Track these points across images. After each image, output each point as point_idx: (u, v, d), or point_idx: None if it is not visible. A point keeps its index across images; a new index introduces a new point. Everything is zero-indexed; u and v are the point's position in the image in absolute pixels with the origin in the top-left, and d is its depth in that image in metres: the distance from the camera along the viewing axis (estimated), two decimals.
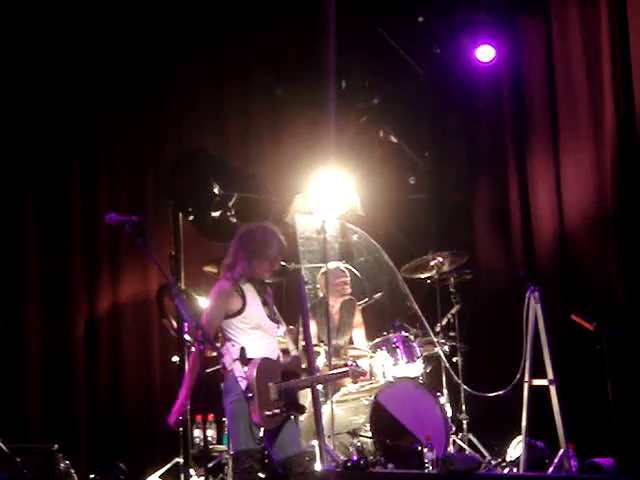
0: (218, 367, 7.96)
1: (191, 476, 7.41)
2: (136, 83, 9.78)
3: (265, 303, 6.28)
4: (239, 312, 6.13)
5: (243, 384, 5.92)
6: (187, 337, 7.39)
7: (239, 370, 5.96)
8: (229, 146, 10.00)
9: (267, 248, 6.22)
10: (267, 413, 5.86)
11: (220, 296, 6.16)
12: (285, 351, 6.28)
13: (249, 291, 6.20)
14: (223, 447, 8.00)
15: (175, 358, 7.88)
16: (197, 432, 8.00)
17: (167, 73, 9.86)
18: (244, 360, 5.99)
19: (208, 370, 7.58)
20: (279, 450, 6.03)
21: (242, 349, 6.02)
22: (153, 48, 9.80)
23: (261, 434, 6.02)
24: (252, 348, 6.05)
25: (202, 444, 7.86)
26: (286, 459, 6.01)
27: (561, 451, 7.52)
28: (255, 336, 6.12)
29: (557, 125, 9.32)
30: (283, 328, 6.33)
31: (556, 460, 7.48)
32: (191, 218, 7.87)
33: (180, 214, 7.75)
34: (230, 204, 7.87)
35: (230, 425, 6.07)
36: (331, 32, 9.22)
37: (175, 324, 7.64)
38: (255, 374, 5.88)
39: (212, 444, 8.12)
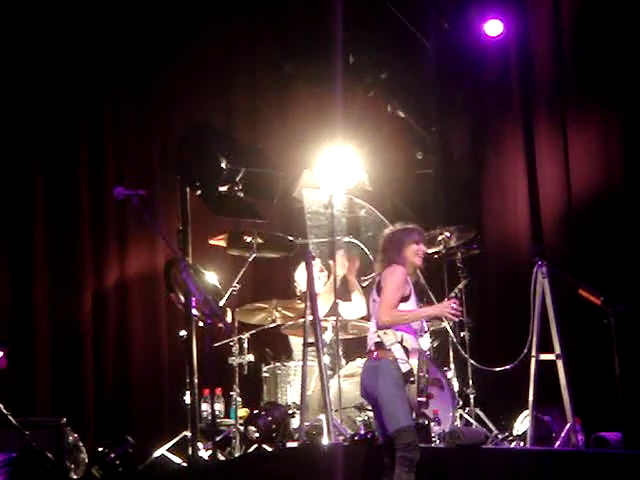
0: (227, 341, 8.08)
1: (199, 450, 7.41)
2: (143, 58, 9.76)
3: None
4: (406, 299, 6.38)
5: (405, 367, 6.16)
6: (195, 312, 7.39)
7: (400, 353, 6.18)
8: (237, 121, 9.99)
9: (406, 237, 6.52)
10: (420, 399, 6.15)
11: (401, 278, 6.35)
12: None
13: (411, 283, 6.48)
14: (231, 421, 8.02)
15: (182, 333, 7.88)
16: (205, 406, 8.00)
17: (175, 47, 9.84)
18: (404, 347, 6.22)
19: (216, 344, 7.64)
20: None
21: (402, 336, 6.23)
22: (161, 22, 9.78)
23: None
24: (407, 338, 6.28)
25: (210, 418, 7.87)
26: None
27: (568, 425, 7.55)
28: (410, 327, 6.34)
29: (565, 100, 9.30)
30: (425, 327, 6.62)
31: (563, 434, 7.51)
32: (198, 192, 7.84)
33: (187, 188, 7.73)
34: (238, 179, 7.83)
35: (390, 405, 6.16)
36: (338, 7, 9.18)
37: (183, 298, 7.63)
38: (417, 362, 6.16)
39: (220, 418, 8.14)
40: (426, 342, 8.04)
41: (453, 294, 8.44)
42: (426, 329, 8.08)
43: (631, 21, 8.94)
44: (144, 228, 8.83)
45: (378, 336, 6.26)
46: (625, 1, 8.98)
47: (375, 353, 6.28)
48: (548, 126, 9.46)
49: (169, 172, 8.61)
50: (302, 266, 8.53)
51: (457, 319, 6.82)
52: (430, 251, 8.65)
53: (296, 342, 8.39)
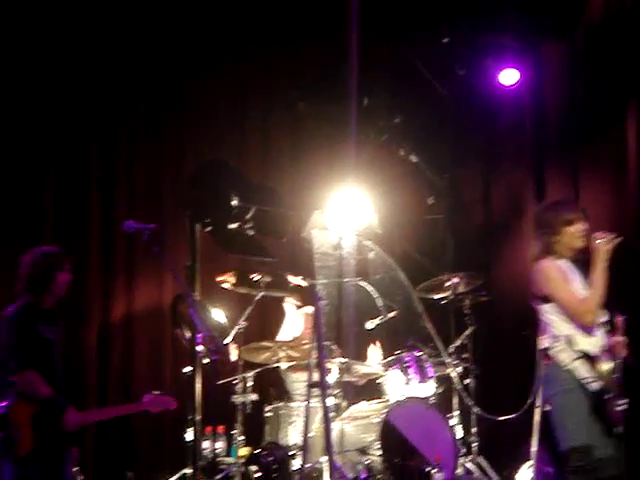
0: (231, 379, 8.05)
1: None
2: (158, 94, 9.82)
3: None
4: None
5: (594, 386, 5.50)
6: (200, 348, 7.37)
7: (585, 370, 5.52)
8: (249, 160, 10.02)
9: (556, 219, 5.79)
10: (619, 409, 5.52)
11: (554, 272, 5.63)
12: None
13: (570, 270, 5.72)
14: (232, 460, 7.97)
15: (186, 369, 7.85)
16: (206, 444, 7.97)
17: (190, 85, 9.90)
18: (588, 359, 5.53)
19: (220, 382, 7.62)
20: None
21: (568, 337, 5.56)
22: (177, 60, 9.84)
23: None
24: (582, 339, 5.59)
25: (211, 456, 7.83)
26: None
27: None
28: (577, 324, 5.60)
29: (577, 152, 9.31)
30: (607, 316, 5.69)
31: None
32: (208, 229, 7.86)
33: (197, 224, 7.75)
34: (248, 216, 7.85)
35: (557, 419, 5.66)
36: (354, 49, 9.22)
37: (188, 334, 7.62)
38: (612, 370, 5.50)
39: (221, 456, 8.09)
40: (431, 388, 8.02)
41: (459, 342, 8.43)
42: (431, 375, 8.08)
43: None
44: (153, 263, 8.84)
45: (559, 351, 5.56)
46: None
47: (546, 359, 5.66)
48: (560, 176, 9.46)
49: (180, 207, 8.62)
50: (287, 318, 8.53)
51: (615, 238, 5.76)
52: (438, 296, 8.69)
53: (299, 382, 8.38)
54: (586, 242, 5.68)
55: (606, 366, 5.49)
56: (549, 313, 5.65)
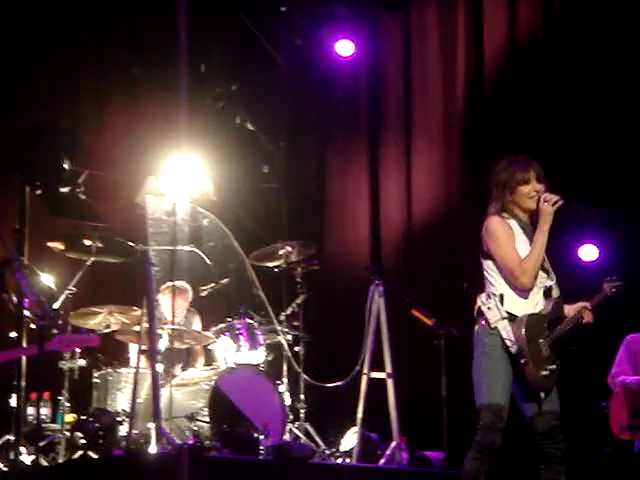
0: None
1: (22, 454, 7.25)
2: None
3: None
4: None
5: (514, 348, 5.42)
6: (27, 313, 7.24)
7: (507, 331, 5.45)
8: (82, 123, 9.82)
9: (511, 178, 5.63)
10: (544, 373, 5.42)
11: (500, 229, 5.55)
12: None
13: (516, 229, 5.63)
14: (56, 426, 7.88)
15: (13, 334, 7.71)
16: (30, 410, 7.83)
17: (20, 45, 9.63)
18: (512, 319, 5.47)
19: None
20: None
21: (501, 295, 5.51)
22: (7, 19, 9.57)
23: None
24: (512, 299, 5.54)
25: (35, 422, 7.71)
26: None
27: (393, 443, 7.68)
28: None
29: (410, 124, 9.51)
30: (552, 280, 5.63)
31: (388, 452, 7.64)
32: (39, 192, 7.70)
33: (27, 187, 7.58)
34: (80, 181, 7.73)
35: (474, 380, 5.55)
36: (187, 14, 9.14)
37: (15, 299, 7.47)
38: (524, 336, 5.38)
39: (46, 423, 7.98)
40: (261, 355, 8.09)
41: (290, 310, 8.53)
42: (261, 342, 8.15)
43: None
44: None
45: (488, 308, 5.51)
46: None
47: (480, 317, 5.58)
48: (393, 148, 9.65)
49: (9, 170, 8.42)
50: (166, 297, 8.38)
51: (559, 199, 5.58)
52: (271, 264, 8.74)
53: (134, 349, 8.33)
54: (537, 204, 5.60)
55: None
56: (489, 270, 5.63)
